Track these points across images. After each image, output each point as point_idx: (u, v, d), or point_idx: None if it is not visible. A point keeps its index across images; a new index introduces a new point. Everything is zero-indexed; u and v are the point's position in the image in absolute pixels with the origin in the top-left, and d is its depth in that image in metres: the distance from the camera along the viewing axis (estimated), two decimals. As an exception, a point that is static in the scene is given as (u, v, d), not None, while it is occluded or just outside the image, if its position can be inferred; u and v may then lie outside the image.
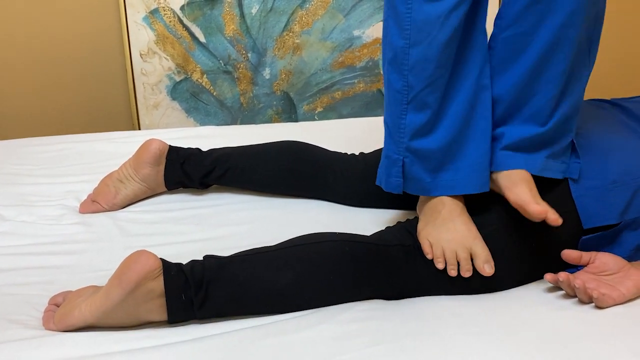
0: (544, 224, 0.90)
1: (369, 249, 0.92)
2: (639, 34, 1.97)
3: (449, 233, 0.92)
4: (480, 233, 0.93)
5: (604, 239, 0.94)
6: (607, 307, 0.88)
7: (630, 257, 0.95)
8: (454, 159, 0.95)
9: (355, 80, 1.85)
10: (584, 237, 0.94)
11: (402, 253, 0.93)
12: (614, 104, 1.12)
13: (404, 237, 0.95)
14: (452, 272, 0.91)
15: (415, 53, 0.90)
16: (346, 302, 0.91)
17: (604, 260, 0.91)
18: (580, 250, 0.94)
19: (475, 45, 0.92)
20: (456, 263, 0.91)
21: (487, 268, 0.90)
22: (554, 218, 0.88)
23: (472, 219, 0.95)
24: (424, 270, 0.92)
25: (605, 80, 1.96)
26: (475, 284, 0.93)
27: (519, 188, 0.91)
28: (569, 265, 0.94)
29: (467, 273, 0.91)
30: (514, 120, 0.96)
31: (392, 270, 0.92)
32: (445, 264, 0.91)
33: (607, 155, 0.97)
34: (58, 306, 0.90)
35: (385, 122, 0.98)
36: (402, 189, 0.99)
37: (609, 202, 0.94)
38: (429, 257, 0.92)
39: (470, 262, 0.91)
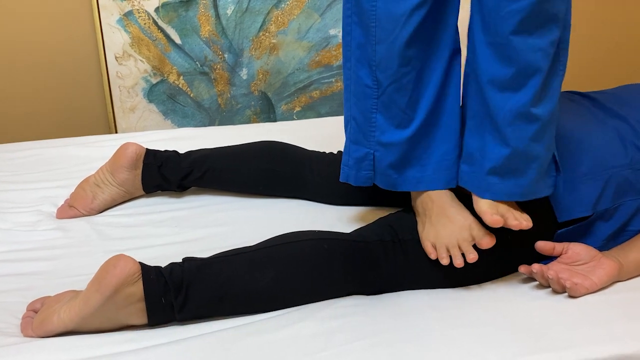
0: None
1: (347, 246, 0.93)
2: (615, 30, 2.01)
3: (446, 228, 0.92)
4: None
5: (578, 231, 0.96)
6: (580, 296, 0.90)
7: (601, 247, 0.97)
8: (421, 154, 0.97)
9: (333, 79, 1.86)
10: (559, 231, 0.96)
11: (381, 249, 0.94)
12: (584, 95, 1.14)
13: (383, 232, 0.96)
14: (458, 263, 0.91)
15: (380, 50, 0.91)
16: (327, 299, 0.92)
17: (577, 250, 0.94)
18: (555, 242, 0.96)
19: (442, 45, 0.93)
20: (459, 253, 0.91)
21: (485, 241, 0.91)
22: (515, 224, 0.89)
23: None
24: (403, 266, 0.93)
25: (584, 74, 2.00)
26: (454, 277, 0.95)
27: (480, 202, 0.93)
28: (544, 257, 0.96)
29: (474, 259, 0.91)
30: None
31: (372, 267, 0.93)
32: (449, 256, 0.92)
33: (576, 149, 0.98)
34: (36, 312, 0.89)
35: (353, 117, 0.99)
36: (372, 181, 1.00)
37: (581, 194, 0.95)
38: (432, 257, 0.92)
39: (472, 248, 0.91)
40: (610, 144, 0.99)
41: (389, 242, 0.94)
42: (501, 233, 0.93)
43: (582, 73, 2.00)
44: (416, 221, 0.98)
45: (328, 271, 0.91)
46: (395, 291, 0.94)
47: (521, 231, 0.93)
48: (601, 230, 0.97)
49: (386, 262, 0.93)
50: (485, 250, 0.93)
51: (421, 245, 0.94)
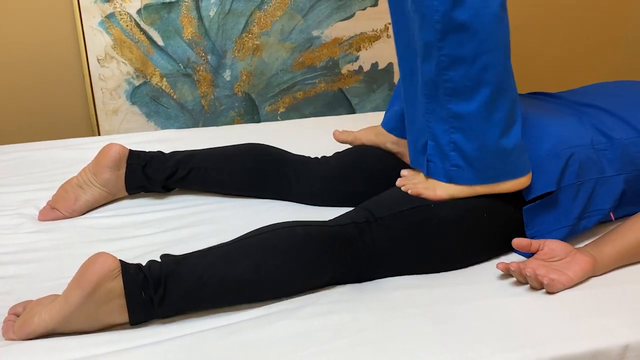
0: (490, 196, 0.98)
1: (322, 230, 0.94)
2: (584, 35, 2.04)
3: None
4: (429, 205, 0.98)
5: (544, 205, 1.00)
6: (557, 292, 0.92)
7: (575, 227, 1.00)
8: None
9: (316, 80, 1.87)
10: (525, 207, 1.00)
11: (355, 230, 0.95)
12: (549, 95, 1.19)
13: (357, 215, 0.98)
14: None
15: None
16: (307, 287, 0.92)
17: (552, 246, 0.95)
18: (525, 220, 1.00)
19: None
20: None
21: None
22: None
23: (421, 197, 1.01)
24: (379, 244, 0.95)
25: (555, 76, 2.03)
26: (432, 259, 0.97)
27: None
28: (517, 249, 0.99)
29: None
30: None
31: (348, 248, 0.94)
32: None
33: (540, 129, 1.04)
34: (18, 316, 0.89)
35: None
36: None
37: (546, 170, 1.00)
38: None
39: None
40: (570, 126, 1.05)
41: (363, 222, 0.96)
42: (476, 211, 0.97)
43: (554, 72, 2.03)
44: (395, 197, 1.01)
45: (305, 255, 0.91)
46: (376, 275, 0.96)
47: (493, 209, 0.98)
48: (569, 207, 1.00)
49: (362, 241, 0.94)
50: (462, 229, 0.97)
51: (399, 219, 0.96)
